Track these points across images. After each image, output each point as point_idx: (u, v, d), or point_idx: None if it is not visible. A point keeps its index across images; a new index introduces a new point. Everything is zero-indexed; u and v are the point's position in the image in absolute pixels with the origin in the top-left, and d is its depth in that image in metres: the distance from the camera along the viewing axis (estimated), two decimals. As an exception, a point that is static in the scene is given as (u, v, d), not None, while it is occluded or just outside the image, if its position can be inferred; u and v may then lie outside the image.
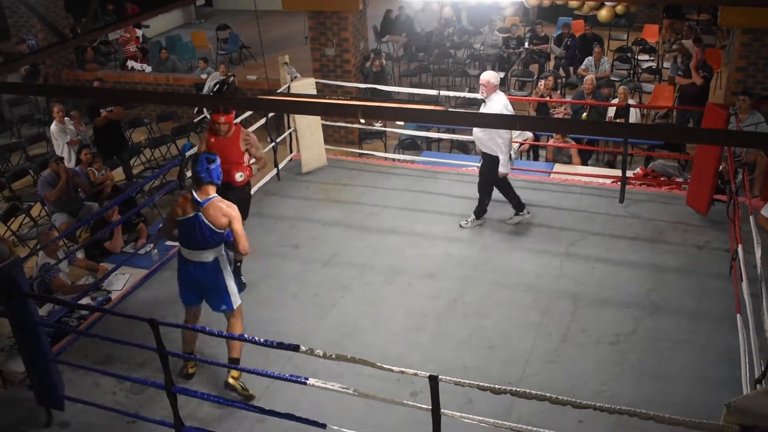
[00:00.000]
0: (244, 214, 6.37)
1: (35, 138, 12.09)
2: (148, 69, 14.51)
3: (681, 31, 14.73)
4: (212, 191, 5.34)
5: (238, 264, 6.57)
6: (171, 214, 5.48)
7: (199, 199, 5.28)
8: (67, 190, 8.91)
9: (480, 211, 7.66)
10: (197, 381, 5.56)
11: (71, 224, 8.36)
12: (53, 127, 10.42)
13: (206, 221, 5.25)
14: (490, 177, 7.40)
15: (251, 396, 5.37)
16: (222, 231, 5.31)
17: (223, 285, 5.42)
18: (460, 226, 7.64)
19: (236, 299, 5.49)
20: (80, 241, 8.58)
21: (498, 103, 7.10)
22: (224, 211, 5.28)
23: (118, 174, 10.43)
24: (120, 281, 7.11)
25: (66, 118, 10.51)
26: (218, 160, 5.40)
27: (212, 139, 6.46)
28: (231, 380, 5.40)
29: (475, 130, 7.33)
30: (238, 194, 6.47)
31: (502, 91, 7.38)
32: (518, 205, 7.66)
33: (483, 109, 7.13)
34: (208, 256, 5.35)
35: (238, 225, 5.31)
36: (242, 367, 4.62)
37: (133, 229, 8.30)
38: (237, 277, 6.19)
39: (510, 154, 7.37)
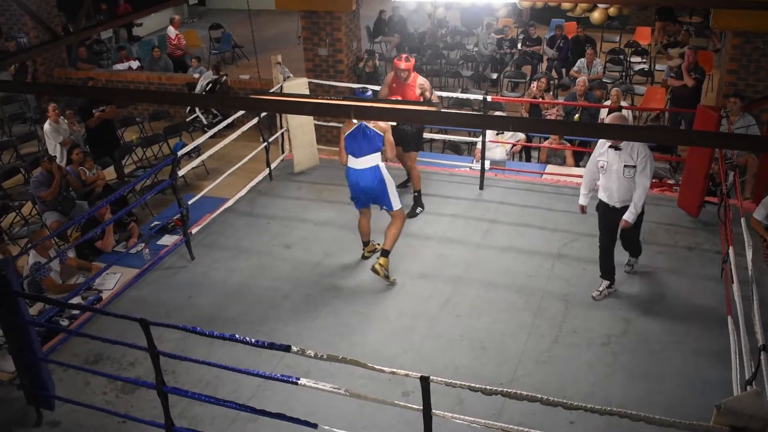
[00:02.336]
0: (420, 144, 8.10)
1: (26, 136, 12.05)
2: (135, 65, 14.47)
3: (674, 33, 14.80)
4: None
5: (416, 194, 8.01)
6: (341, 136, 6.69)
7: (355, 121, 6.51)
8: (59, 189, 8.87)
9: (637, 251, 6.73)
10: (188, 381, 5.55)
11: (62, 223, 8.33)
12: (47, 126, 10.36)
13: (369, 125, 6.53)
14: (638, 227, 6.42)
15: (392, 282, 6.72)
16: (381, 134, 6.55)
17: (383, 188, 6.62)
18: (625, 271, 6.74)
19: (396, 203, 6.71)
20: (71, 240, 8.55)
21: (633, 150, 5.98)
22: (381, 122, 6.55)
23: (110, 173, 10.39)
24: (111, 280, 7.09)
25: (61, 117, 10.47)
26: (369, 92, 6.82)
27: (394, 84, 7.63)
28: (377, 266, 6.62)
29: (616, 182, 6.10)
30: (417, 127, 7.90)
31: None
32: (637, 251, 6.71)
33: (612, 160, 6.07)
34: (369, 162, 6.56)
35: (389, 135, 6.62)
36: (234, 367, 4.60)
37: (124, 228, 8.28)
38: (417, 206, 7.96)
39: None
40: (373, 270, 6.65)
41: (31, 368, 5.14)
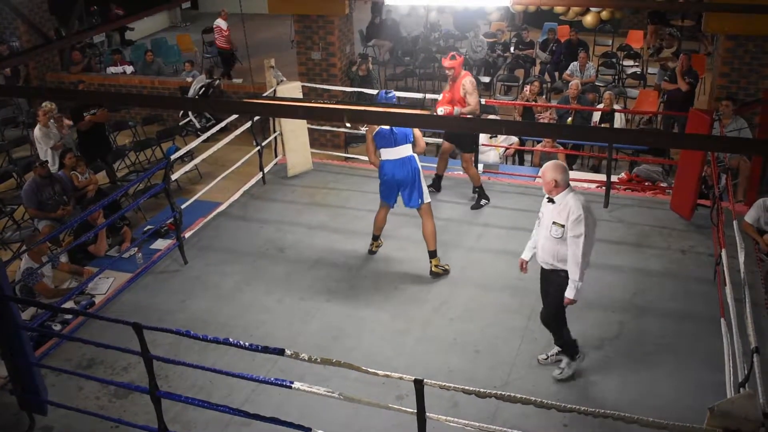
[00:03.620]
0: (471, 147, 8.08)
1: (18, 140, 12.00)
2: (129, 70, 14.45)
3: (665, 37, 14.87)
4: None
5: (478, 189, 8.16)
6: (368, 137, 6.77)
7: None
8: (52, 194, 8.84)
9: (571, 349, 5.56)
10: (181, 385, 5.53)
11: (54, 228, 8.30)
12: (37, 131, 10.33)
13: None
14: (561, 299, 5.35)
15: (448, 268, 6.92)
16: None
17: (418, 179, 6.73)
18: (555, 377, 5.57)
19: (427, 196, 6.82)
20: (64, 244, 8.52)
21: (565, 209, 5.13)
22: None
23: (102, 177, 10.37)
24: (104, 285, 7.08)
25: (50, 121, 10.44)
26: (393, 93, 7.01)
27: (450, 82, 7.71)
28: (433, 269, 6.86)
29: (543, 239, 5.31)
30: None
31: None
32: (569, 347, 5.58)
33: (546, 212, 5.31)
34: (403, 152, 6.67)
35: (417, 130, 6.75)
36: (227, 371, 4.60)
37: (117, 232, 8.26)
38: (482, 197, 8.12)
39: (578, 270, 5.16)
40: (432, 274, 6.87)
41: (24, 373, 5.12)
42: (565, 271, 5.22)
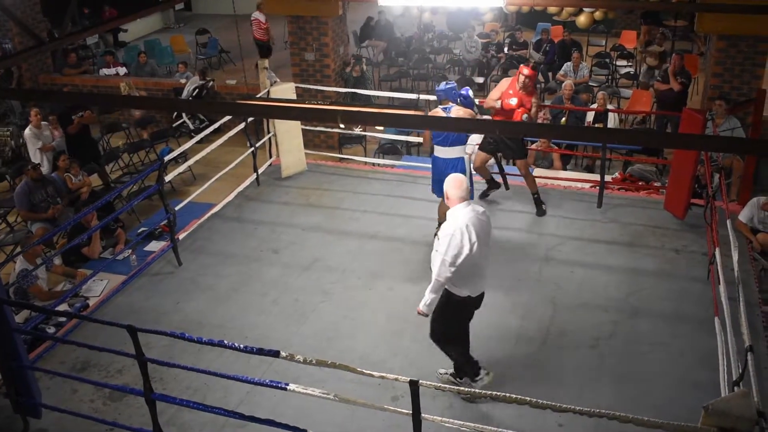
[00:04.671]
0: (524, 153, 7.98)
1: (11, 142, 11.97)
2: (122, 71, 14.42)
3: (657, 36, 14.91)
4: (450, 103, 6.77)
5: (536, 196, 7.90)
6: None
7: (443, 106, 6.82)
8: (45, 197, 8.82)
9: (463, 369, 5.35)
10: (176, 388, 5.52)
11: (48, 230, 8.28)
12: (27, 131, 10.33)
13: (453, 116, 6.54)
14: (445, 315, 5.22)
15: None
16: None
17: None
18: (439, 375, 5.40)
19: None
20: (58, 247, 8.50)
21: (450, 225, 4.99)
22: (465, 112, 6.73)
23: (96, 180, 10.35)
24: (98, 287, 7.06)
25: (44, 123, 10.41)
26: (468, 89, 6.97)
27: (510, 91, 7.51)
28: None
29: (433, 251, 5.20)
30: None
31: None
32: (461, 367, 5.36)
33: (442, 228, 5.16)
34: (452, 153, 6.80)
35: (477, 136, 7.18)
36: (222, 373, 4.59)
37: (111, 234, 8.24)
38: (541, 203, 7.88)
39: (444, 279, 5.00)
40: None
41: (17, 376, 5.10)
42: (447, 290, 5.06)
